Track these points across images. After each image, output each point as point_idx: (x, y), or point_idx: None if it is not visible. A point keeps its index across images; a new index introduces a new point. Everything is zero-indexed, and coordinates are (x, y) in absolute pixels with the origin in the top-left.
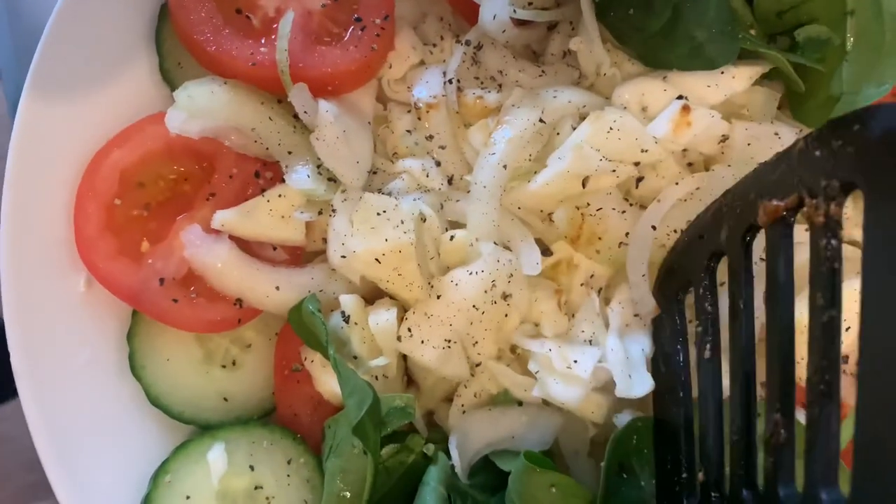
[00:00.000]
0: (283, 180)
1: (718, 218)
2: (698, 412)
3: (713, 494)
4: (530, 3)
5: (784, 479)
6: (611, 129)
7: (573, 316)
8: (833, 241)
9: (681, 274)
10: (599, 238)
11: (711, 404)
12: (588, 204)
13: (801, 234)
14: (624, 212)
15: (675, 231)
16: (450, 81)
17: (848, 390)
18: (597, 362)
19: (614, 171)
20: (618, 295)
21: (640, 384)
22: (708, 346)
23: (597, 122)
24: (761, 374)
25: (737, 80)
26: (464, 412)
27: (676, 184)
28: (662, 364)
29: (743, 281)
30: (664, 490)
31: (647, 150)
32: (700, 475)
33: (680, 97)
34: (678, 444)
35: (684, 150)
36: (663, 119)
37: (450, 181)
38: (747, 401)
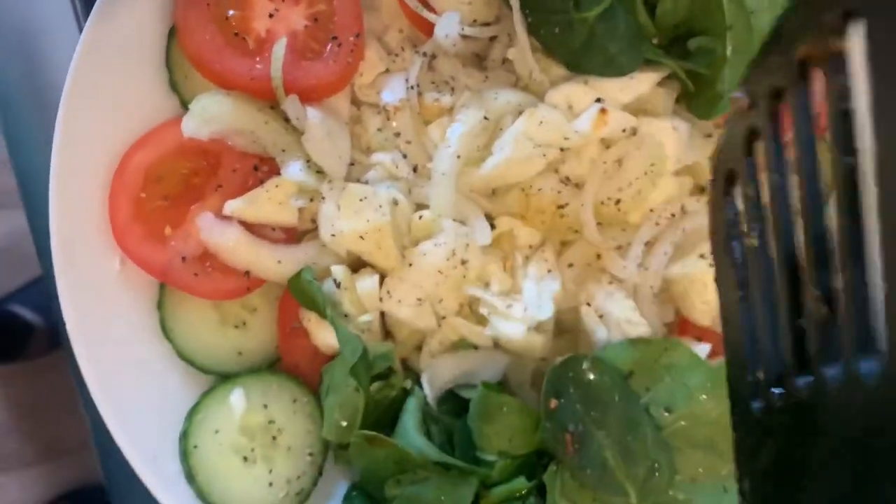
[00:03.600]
0: (278, 173)
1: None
2: (751, 305)
3: (774, 391)
4: (475, 21)
5: (828, 358)
6: (541, 122)
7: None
8: (841, 79)
9: (725, 165)
10: (543, 211)
11: (762, 294)
12: (530, 186)
13: (693, 206)
14: (559, 192)
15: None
16: (411, 87)
17: None
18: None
19: (544, 155)
20: (539, 253)
21: (543, 309)
22: (756, 233)
23: (531, 118)
24: None
25: (642, 83)
26: (432, 356)
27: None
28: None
29: (774, 153)
30: (737, 405)
31: (568, 139)
32: (760, 374)
33: (598, 99)
34: (742, 348)
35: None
36: (585, 119)
37: (415, 170)
38: (794, 285)
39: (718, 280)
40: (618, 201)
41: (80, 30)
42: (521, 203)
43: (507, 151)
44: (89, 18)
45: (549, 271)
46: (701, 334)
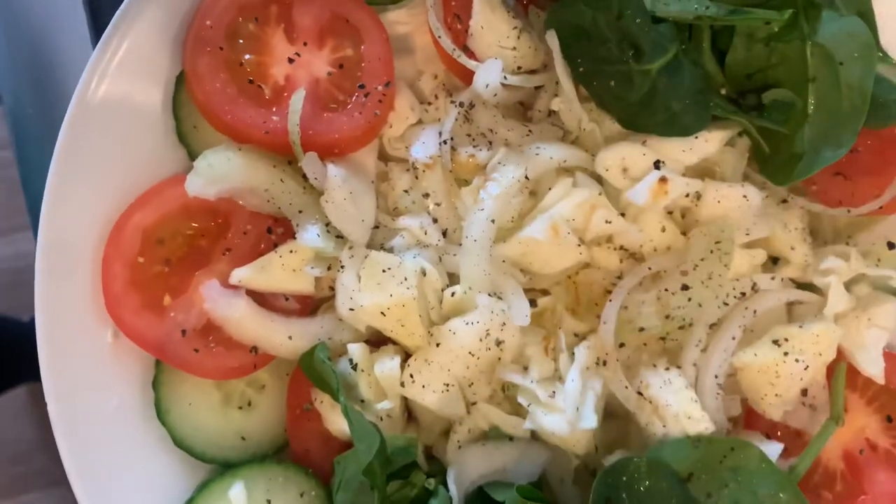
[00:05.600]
0: (293, 236)
1: None
2: None
3: None
4: (519, 68)
5: None
6: (583, 204)
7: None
8: None
9: None
10: (596, 304)
11: None
12: (577, 273)
13: (766, 283)
14: (608, 291)
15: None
16: (444, 142)
17: (808, 421)
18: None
19: (580, 244)
20: (588, 340)
21: (585, 419)
22: None
23: (568, 199)
24: None
25: (709, 143)
26: (459, 447)
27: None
28: None
29: None
30: None
31: (610, 222)
32: None
33: (657, 163)
34: None
35: None
36: (643, 188)
37: (444, 234)
38: None
39: None
40: (685, 287)
41: None
42: (569, 293)
43: (539, 234)
44: (91, 57)
45: (597, 363)
46: (771, 430)
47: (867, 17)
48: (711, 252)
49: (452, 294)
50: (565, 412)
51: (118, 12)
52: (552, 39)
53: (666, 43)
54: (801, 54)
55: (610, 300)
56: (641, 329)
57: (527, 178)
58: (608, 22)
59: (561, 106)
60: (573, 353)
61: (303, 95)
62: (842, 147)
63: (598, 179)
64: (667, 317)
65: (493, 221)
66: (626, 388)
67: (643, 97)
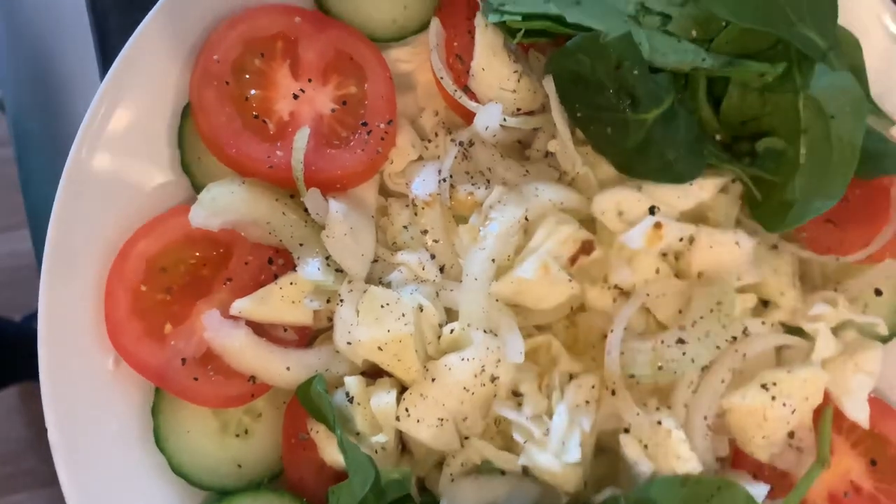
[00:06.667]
0: (293, 267)
1: None
2: None
3: None
4: (518, 110)
5: None
6: (567, 240)
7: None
8: None
9: None
10: (593, 346)
11: None
12: (576, 314)
13: (756, 327)
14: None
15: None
16: (444, 179)
17: (794, 463)
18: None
19: (571, 279)
20: (579, 379)
21: (569, 453)
22: None
23: (556, 236)
24: None
25: (703, 190)
26: (452, 480)
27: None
28: None
29: None
30: None
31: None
32: None
33: (652, 208)
34: None
35: None
36: (638, 233)
37: (441, 270)
38: None
39: None
40: (681, 341)
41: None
42: (568, 332)
43: (529, 274)
44: (100, 87)
45: (587, 402)
46: (758, 471)
47: (859, 71)
48: (711, 311)
49: (451, 331)
50: (552, 445)
51: (128, 43)
52: (549, 85)
53: (662, 93)
54: (793, 106)
55: (612, 330)
56: (632, 376)
57: (526, 219)
58: (607, 71)
59: (557, 148)
60: (563, 391)
61: (307, 133)
62: (832, 198)
63: (593, 221)
64: (659, 367)
65: (493, 260)
66: (638, 414)
67: (639, 145)
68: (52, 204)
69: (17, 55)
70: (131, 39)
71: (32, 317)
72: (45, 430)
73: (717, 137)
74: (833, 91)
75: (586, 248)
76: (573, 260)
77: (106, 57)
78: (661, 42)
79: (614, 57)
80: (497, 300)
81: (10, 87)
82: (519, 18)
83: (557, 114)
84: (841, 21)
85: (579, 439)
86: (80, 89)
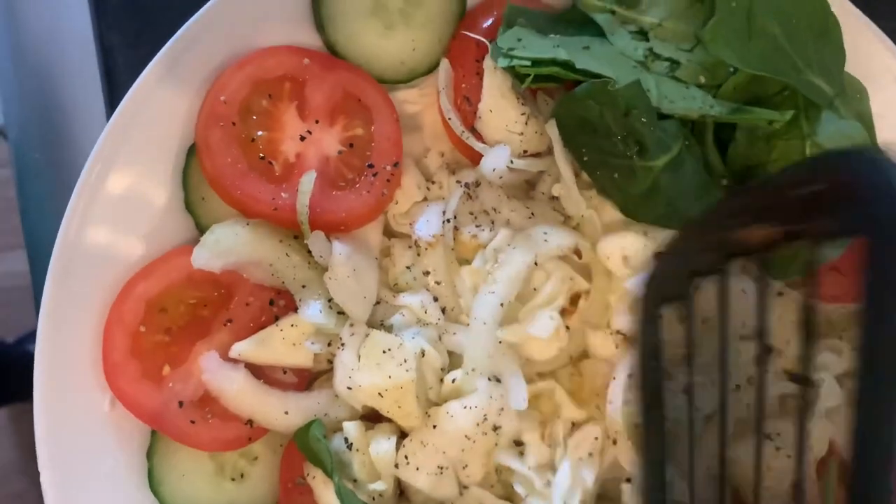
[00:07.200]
0: (295, 308)
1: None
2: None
3: None
4: (525, 152)
5: None
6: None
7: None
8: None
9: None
10: (598, 394)
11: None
12: (580, 361)
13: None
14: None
15: None
16: (447, 221)
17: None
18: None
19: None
20: (583, 430)
21: None
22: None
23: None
24: None
25: None
26: None
27: None
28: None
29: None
30: None
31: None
32: None
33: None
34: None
35: None
36: (643, 279)
37: (443, 311)
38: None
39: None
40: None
41: (108, 116)
42: (572, 380)
43: (543, 334)
44: (105, 129)
45: (591, 454)
46: None
47: (865, 118)
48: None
49: (453, 380)
50: (554, 501)
51: (135, 84)
52: (552, 130)
53: (670, 141)
54: (800, 152)
55: (614, 378)
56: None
57: (536, 263)
58: (615, 118)
59: (561, 192)
60: (566, 444)
61: (313, 178)
62: (838, 248)
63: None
64: None
65: (502, 305)
66: None
67: (645, 191)
68: (50, 227)
69: (21, 85)
70: (139, 79)
71: (26, 339)
72: (35, 453)
73: (724, 182)
74: (840, 138)
75: (574, 299)
76: (562, 312)
77: (112, 87)
78: (669, 88)
79: (623, 104)
80: (500, 342)
81: (14, 116)
82: (528, 64)
83: (561, 158)
84: (847, 68)
85: (579, 499)
86: (84, 120)
